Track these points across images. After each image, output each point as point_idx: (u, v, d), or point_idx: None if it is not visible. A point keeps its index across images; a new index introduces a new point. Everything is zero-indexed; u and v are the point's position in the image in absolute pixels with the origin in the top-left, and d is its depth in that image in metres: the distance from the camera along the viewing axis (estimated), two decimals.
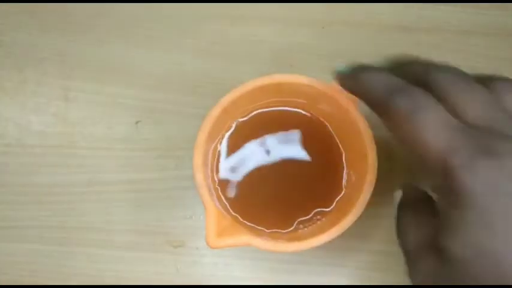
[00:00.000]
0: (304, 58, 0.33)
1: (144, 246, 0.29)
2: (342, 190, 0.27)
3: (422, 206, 0.20)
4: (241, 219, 0.26)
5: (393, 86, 0.18)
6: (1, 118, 0.31)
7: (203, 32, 0.33)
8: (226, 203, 0.26)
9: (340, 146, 0.27)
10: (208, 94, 0.32)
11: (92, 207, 0.30)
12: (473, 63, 0.33)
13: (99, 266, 0.29)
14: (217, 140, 0.27)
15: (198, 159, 0.24)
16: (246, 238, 0.23)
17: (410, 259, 0.19)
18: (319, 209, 0.26)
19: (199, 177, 0.23)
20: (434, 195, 0.19)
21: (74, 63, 0.32)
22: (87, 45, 0.32)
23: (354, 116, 0.24)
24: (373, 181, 0.23)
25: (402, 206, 0.21)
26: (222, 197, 0.27)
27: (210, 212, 0.23)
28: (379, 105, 0.18)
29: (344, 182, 0.27)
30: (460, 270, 0.16)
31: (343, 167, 0.27)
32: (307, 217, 0.26)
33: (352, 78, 0.20)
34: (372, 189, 0.23)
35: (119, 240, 0.29)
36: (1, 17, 0.33)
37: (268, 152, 0.27)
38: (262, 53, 0.32)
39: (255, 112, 0.28)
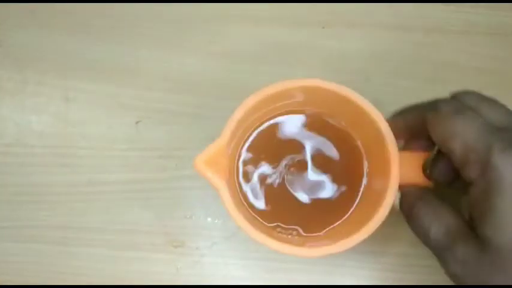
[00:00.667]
0: (304, 58, 0.33)
1: (144, 246, 0.29)
2: (357, 199, 0.26)
3: (433, 198, 0.21)
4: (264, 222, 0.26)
5: (435, 100, 0.22)
6: (1, 118, 0.31)
7: (203, 32, 0.33)
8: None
9: (363, 152, 0.27)
10: (209, 94, 0.32)
11: (92, 207, 0.30)
12: (473, 63, 0.33)
13: (99, 266, 0.29)
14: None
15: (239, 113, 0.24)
16: (220, 184, 0.22)
17: (443, 249, 0.20)
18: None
19: (240, 113, 0.24)
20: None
21: (74, 63, 0.32)
22: (87, 45, 0.32)
23: (374, 117, 0.24)
24: (396, 187, 0.23)
25: (412, 203, 0.22)
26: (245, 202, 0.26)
27: (220, 141, 0.23)
28: (427, 113, 0.21)
29: (362, 188, 0.26)
30: (501, 257, 0.17)
31: (364, 174, 0.27)
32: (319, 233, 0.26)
33: (400, 114, 0.24)
34: (393, 198, 0.23)
35: (119, 240, 0.29)
36: (1, 17, 0.33)
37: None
38: (262, 52, 0.32)
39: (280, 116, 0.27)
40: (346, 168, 0.27)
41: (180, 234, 0.29)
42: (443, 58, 0.33)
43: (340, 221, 0.26)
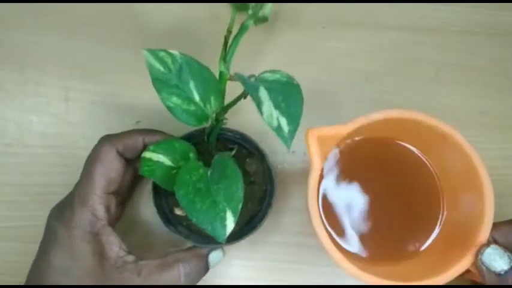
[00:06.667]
0: (303, 58, 0.33)
1: (145, 246, 0.29)
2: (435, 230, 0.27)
3: None
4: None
5: None
6: (1, 118, 0.31)
7: (201, 32, 0.33)
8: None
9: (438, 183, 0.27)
10: None
11: None
12: (473, 63, 0.33)
13: None
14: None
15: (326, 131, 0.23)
16: (318, 164, 0.22)
17: None
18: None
19: (379, 116, 0.24)
20: None
21: (74, 63, 0.32)
22: (87, 46, 0.32)
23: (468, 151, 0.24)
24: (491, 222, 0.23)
25: None
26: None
27: (343, 128, 0.23)
28: None
29: (441, 222, 0.27)
30: None
31: (441, 207, 0.27)
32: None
33: None
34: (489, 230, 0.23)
35: None
36: (1, 17, 0.33)
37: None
38: (263, 52, 0.32)
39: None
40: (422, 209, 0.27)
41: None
42: (443, 58, 0.33)
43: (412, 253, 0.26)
